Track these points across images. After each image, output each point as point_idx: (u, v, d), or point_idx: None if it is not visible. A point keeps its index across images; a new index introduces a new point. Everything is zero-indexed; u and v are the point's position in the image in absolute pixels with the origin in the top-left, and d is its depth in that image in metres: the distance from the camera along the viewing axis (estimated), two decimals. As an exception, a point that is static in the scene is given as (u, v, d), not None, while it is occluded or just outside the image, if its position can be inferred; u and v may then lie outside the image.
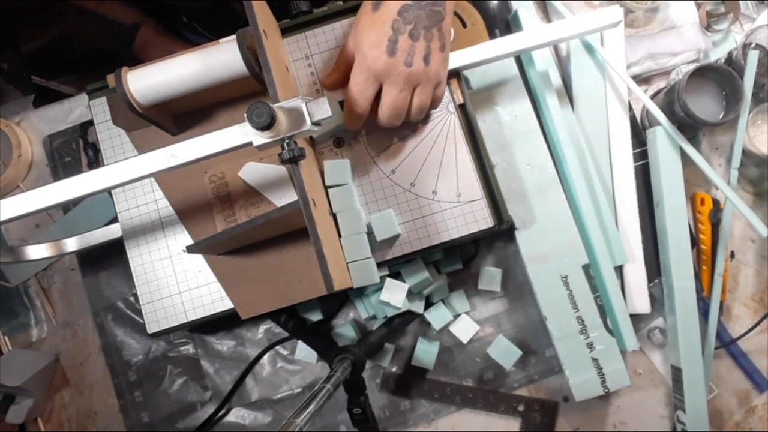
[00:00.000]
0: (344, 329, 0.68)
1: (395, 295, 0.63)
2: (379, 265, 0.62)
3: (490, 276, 0.68)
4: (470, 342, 0.68)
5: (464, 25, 0.65)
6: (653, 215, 0.68)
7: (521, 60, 0.71)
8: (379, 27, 0.53)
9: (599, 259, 0.65)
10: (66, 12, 0.81)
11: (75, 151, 0.76)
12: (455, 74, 0.64)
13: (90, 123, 0.75)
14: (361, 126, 0.60)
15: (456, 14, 0.65)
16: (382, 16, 0.53)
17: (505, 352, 0.66)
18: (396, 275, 0.64)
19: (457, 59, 0.62)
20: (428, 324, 0.68)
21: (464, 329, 0.68)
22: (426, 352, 0.67)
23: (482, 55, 0.62)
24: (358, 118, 0.58)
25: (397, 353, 0.69)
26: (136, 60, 0.81)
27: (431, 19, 0.53)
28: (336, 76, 0.61)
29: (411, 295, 0.64)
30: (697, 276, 0.68)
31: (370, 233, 0.61)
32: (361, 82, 0.55)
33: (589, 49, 0.70)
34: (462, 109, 0.64)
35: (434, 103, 0.59)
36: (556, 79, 0.70)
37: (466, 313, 0.68)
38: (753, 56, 0.65)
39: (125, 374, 0.71)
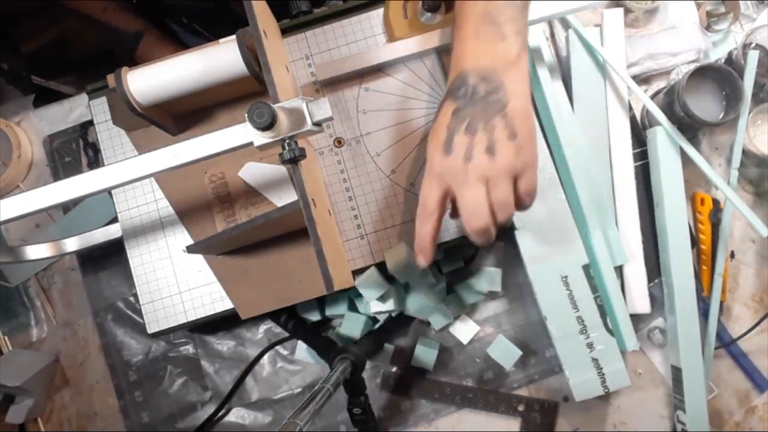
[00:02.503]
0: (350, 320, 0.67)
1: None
2: (382, 264, 0.62)
3: (490, 276, 0.68)
4: (470, 342, 0.68)
5: None
6: (653, 215, 0.68)
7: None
8: (437, 135, 0.50)
9: (599, 260, 0.65)
10: (68, 16, 0.81)
11: (75, 151, 0.75)
12: (448, 51, 0.64)
13: (90, 123, 0.75)
14: (432, 257, 0.52)
15: None
16: (439, 125, 0.51)
17: (505, 353, 0.66)
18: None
19: (447, 35, 0.62)
20: (428, 324, 0.68)
21: (464, 330, 0.68)
22: (426, 353, 0.67)
23: None
24: (428, 236, 0.51)
25: (397, 353, 0.69)
26: (137, 60, 0.81)
27: (489, 110, 0.49)
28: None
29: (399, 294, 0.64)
30: (697, 276, 0.68)
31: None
32: (426, 187, 0.51)
33: (589, 49, 0.70)
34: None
35: (522, 198, 0.51)
36: (548, 57, 0.70)
37: (467, 313, 0.68)
38: (753, 56, 0.65)
39: (125, 374, 0.71)
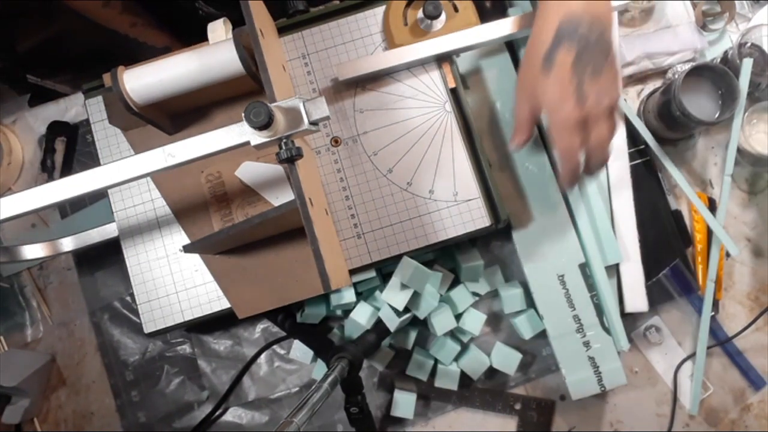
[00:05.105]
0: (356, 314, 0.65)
1: (397, 296, 0.62)
2: (379, 263, 0.62)
3: (487, 275, 0.68)
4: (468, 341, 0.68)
5: (456, 9, 0.65)
6: (650, 214, 0.68)
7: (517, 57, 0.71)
8: (563, 83, 0.51)
9: (591, 258, 0.65)
10: (64, 15, 0.80)
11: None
12: (446, 58, 0.64)
13: (77, 125, 0.75)
14: (577, 179, 0.56)
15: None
16: (559, 72, 0.51)
17: (506, 359, 0.66)
18: (388, 274, 0.63)
19: (448, 43, 0.62)
20: (427, 328, 0.66)
21: (473, 322, 0.66)
22: (420, 364, 0.66)
23: (473, 40, 0.63)
24: (574, 172, 0.55)
25: (394, 358, 0.68)
26: (133, 59, 0.81)
27: (603, 53, 0.51)
28: (524, 136, 0.58)
29: (413, 298, 0.63)
30: (693, 274, 0.68)
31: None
32: (566, 138, 0.53)
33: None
34: (456, 99, 0.64)
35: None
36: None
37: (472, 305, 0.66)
38: (747, 64, 0.65)
39: (122, 374, 0.71)
